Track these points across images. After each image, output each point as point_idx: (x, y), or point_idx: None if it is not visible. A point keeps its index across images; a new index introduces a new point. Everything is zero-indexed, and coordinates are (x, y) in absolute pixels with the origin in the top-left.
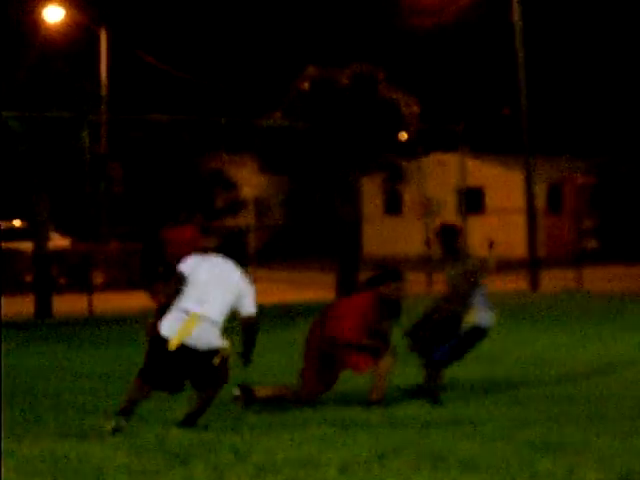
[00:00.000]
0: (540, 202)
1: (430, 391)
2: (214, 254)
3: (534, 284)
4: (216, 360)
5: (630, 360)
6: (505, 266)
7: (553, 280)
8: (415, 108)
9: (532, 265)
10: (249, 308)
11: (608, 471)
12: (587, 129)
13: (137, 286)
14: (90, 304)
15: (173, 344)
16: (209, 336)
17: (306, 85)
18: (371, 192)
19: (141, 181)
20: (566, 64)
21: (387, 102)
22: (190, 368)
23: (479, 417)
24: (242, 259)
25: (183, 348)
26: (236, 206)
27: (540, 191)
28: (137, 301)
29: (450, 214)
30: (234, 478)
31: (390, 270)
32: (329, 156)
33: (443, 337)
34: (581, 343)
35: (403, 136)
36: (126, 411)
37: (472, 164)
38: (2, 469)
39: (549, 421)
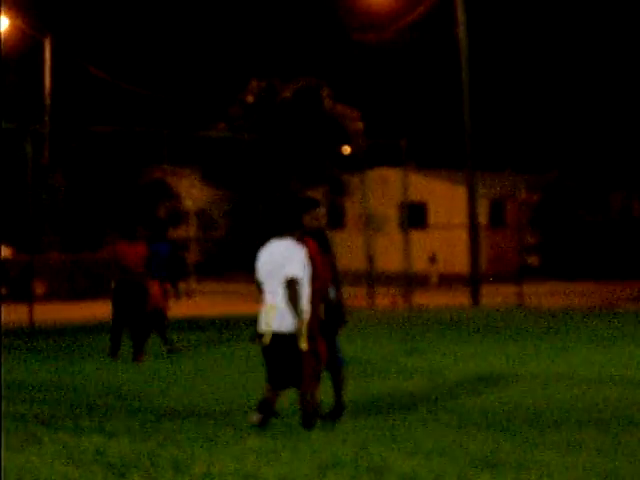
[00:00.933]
0: (483, 218)
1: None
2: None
3: (475, 299)
4: (302, 344)
5: (569, 375)
6: (447, 281)
7: (494, 295)
8: (359, 123)
9: (473, 280)
10: (289, 271)
11: None
12: (530, 146)
13: (78, 296)
14: (31, 314)
15: (265, 339)
16: (286, 321)
17: (250, 98)
18: None
19: (83, 191)
20: (510, 81)
21: (331, 116)
22: (284, 357)
23: (419, 433)
24: (288, 223)
25: (274, 338)
26: (178, 217)
27: (483, 207)
28: (78, 312)
29: (393, 229)
30: None
31: (301, 200)
32: (272, 168)
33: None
34: (521, 358)
35: (346, 150)
36: (261, 408)
37: (415, 179)
38: (2, 472)
39: (489, 437)
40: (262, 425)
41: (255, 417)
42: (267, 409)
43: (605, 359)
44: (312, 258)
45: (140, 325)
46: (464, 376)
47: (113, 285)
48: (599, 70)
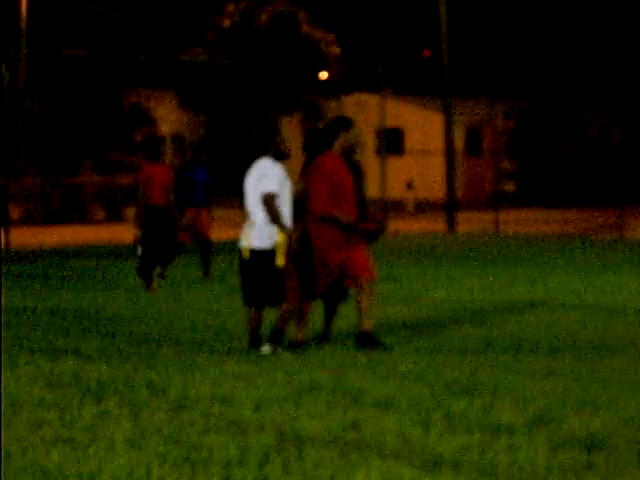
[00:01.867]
0: (459, 144)
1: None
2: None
3: (451, 226)
4: (279, 260)
5: (546, 301)
6: (423, 207)
7: (470, 222)
8: (336, 48)
9: (450, 207)
10: (264, 187)
11: (523, 412)
12: (508, 71)
13: (55, 221)
14: (7, 238)
15: (244, 254)
16: (264, 238)
17: (226, 22)
18: (290, 130)
19: (60, 116)
20: (487, 6)
21: (307, 41)
22: (261, 274)
23: (394, 359)
24: (266, 147)
25: (252, 254)
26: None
27: (459, 133)
28: (54, 236)
29: (370, 154)
30: (149, 414)
31: (336, 119)
32: (249, 94)
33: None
34: (497, 285)
35: (323, 75)
36: (274, 338)
37: (392, 105)
38: (2, 468)
39: (465, 362)
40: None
41: (268, 348)
42: (278, 336)
43: (582, 286)
44: (342, 178)
45: (167, 253)
46: (440, 302)
47: (138, 210)
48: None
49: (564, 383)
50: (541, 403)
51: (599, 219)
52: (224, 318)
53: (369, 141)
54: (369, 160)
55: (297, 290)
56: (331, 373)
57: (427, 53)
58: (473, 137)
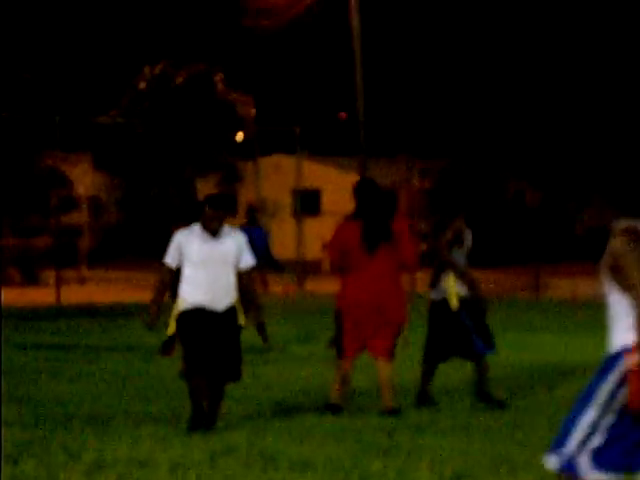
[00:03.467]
0: None
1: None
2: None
3: None
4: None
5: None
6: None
7: None
8: (252, 109)
9: None
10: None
11: (439, 472)
12: (425, 132)
13: None
14: None
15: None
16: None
17: (143, 84)
18: (207, 192)
19: None
20: (404, 66)
21: (223, 102)
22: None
23: (312, 420)
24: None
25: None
26: (70, 204)
27: None
28: None
29: (286, 216)
30: (65, 477)
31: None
32: (165, 155)
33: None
34: (418, 344)
35: (239, 137)
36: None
37: (309, 166)
38: (2, 468)
39: (383, 422)
40: None
41: None
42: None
43: (498, 344)
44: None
45: None
46: (357, 362)
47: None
48: (489, 56)
49: (480, 440)
50: (457, 463)
51: (515, 279)
52: (139, 381)
53: (285, 202)
54: (286, 221)
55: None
56: (247, 435)
57: (343, 116)
58: None
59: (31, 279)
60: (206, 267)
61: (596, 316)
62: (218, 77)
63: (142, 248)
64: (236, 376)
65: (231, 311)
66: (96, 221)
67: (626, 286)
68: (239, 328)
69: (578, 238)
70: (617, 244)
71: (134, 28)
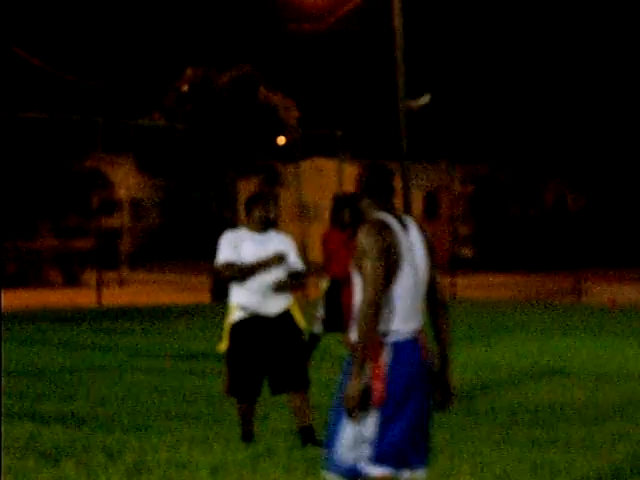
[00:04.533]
0: (417, 208)
1: None
2: None
3: None
4: None
5: (500, 366)
6: None
7: None
8: (294, 112)
9: None
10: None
11: (482, 476)
12: (465, 137)
13: (8, 284)
14: None
15: None
16: None
17: (185, 87)
18: (248, 195)
19: (17, 179)
20: (445, 72)
21: (266, 106)
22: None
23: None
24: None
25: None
26: (111, 206)
27: (417, 197)
28: (8, 299)
29: (327, 220)
30: (105, 478)
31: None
32: (207, 158)
33: None
34: (455, 350)
35: (281, 140)
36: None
37: (350, 170)
38: (2, 467)
39: None
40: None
41: None
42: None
43: (539, 350)
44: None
45: None
46: None
47: (325, 285)
48: (533, 61)
49: (520, 448)
50: (499, 468)
51: (556, 284)
52: (181, 381)
53: (327, 205)
54: (327, 224)
55: None
56: (288, 438)
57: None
58: (431, 201)
59: (72, 280)
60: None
61: (635, 322)
62: (261, 80)
63: (182, 250)
64: (303, 385)
65: (287, 315)
66: (137, 223)
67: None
68: (300, 332)
69: (621, 243)
70: (361, 237)
71: (177, 30)
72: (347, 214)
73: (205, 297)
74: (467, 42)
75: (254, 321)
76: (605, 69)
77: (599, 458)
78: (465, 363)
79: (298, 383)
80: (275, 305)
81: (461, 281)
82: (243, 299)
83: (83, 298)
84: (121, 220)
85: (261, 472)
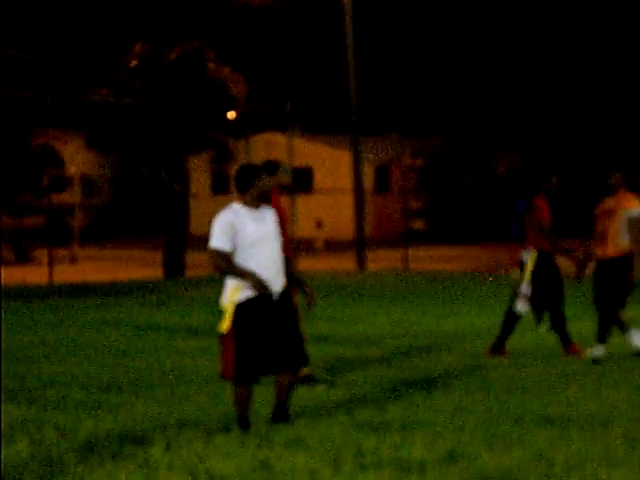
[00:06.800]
0: (368, 182)
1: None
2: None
3: (361, 263)
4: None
5: (454, 338)
6: (333, 246)
7: (380, 260)
8: (243, 87)
9: (359, 245)
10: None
11: (434, 448)
12: (416, 110)
13: None
14: None
15: None
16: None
17: (134, 62)
18: (199, 171)
19: None
20: (395, 44)
21: (215, 81)
22: None
23: (302, 397)
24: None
25: None
26: (62, 183)
27: (368, 171)
28: None
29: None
30: (58, 455)
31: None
32: (156, 133)
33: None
34: (407, 322)
35: (231, 115)
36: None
37: (301, 144)
38: (2, 468)
39: (375, 400)
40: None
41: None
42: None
43: (490, 323)
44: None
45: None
46: (349, 339)
47: (534, 256)
48: (482, 32)
49: (475, 419)
50: (452, 439)
51: (505, 256)
52: (133, 357)
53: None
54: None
55: None
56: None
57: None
58: (382, 175)
59: (24, 258)
60: (263, 245)
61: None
62: (209, 55)
63: (134, 227)
64: (305, 360)
65: (287, 293)
66: (88, 200)
67: None
68: (296, 309)
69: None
70: None
71: (124, 5)
72: None
73: (158, 272)
74: (417, 13)
75: (260, 300)
76: (556, 42)
77: (551, 430)
78: (419, 337)
79: (300, 361)
80: (278, 283)
81: (413, 254)
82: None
83: (35, 275)
84: (72, 197)
85: (215, 447)
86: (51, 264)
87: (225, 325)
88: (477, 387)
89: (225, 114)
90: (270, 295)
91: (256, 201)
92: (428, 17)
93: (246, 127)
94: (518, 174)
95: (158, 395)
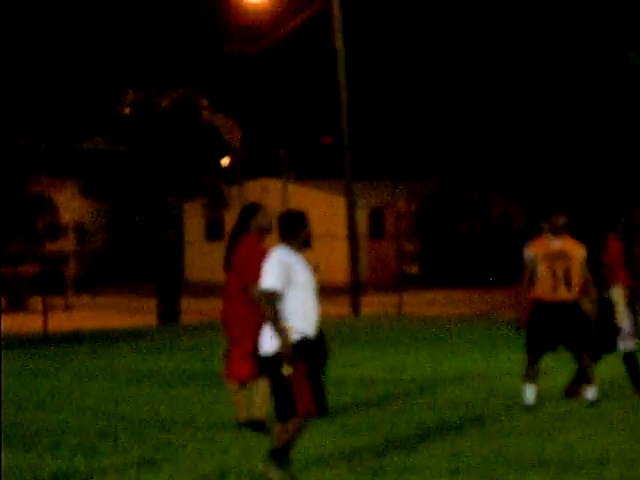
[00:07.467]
0: (362, 227)
1: None
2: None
3: (356, 309)
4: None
5: (448, 381)
6: (327, 291)
7: (375, 305)
8: (237, 133)
9: (354, 290)
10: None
11: None
12: (409, 154)
13: None
14: None
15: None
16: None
17: (127, 109)
18: (193, 217)
19: None
20: (388, 89)
21: (209, 127)
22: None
23: (301, 442)
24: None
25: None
26: (56, 230)
27: (362, 216)
28: None
29: (274, 239)
30: None
31: (247, 206)
32: (150, 180)
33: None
34: (401, 366)
35: (225, 161)
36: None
37: (295, 189)
38: (2, 471)
39: (372, 445)
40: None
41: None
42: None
43: (486, 365)
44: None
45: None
46: (344, 383)
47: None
48: (476, 77)
49: (470, 463)
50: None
51: (502, 299)
52: (128, 404)
53: (273, 226)
54: (274, 245)
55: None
56: (236, 458)
57: (327, 140)
58: (376, 220)
59: (18, 306)
60: (309, 290)
61: None
62: (203, 101)
63: (127, 274)
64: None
65: (321, 338)
66: (82, 248)
67: None
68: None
69: None
70: None
71: (117, 53)
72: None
73: (152, 319)
74: (409, 61)
75: (307, 342)
76: (546, 86)
77: (547, 473)
78: (414, 380)
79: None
80: (315, 328)
81: (408, 298)
82: (302, 325)
83: (29, 323)
84: (66, 245)
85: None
86: (45, 312)
87: (288, 368)
88: (472, 430)
89: (219, 160)
90: (309, 339)
91: (301, 247)
92: (421, 60)
93: (240, 173)
94: (511, 219)
95: (154, 442)
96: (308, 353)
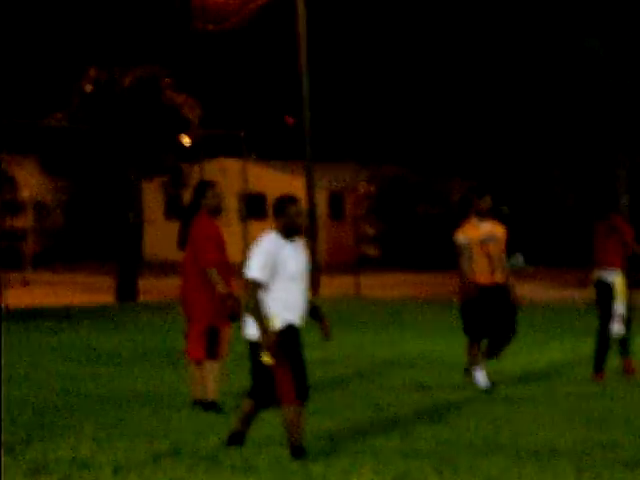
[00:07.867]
0: (322, 209)
1: None
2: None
3: (313, 289)
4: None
5: (404, 363)
6: None
7: (333, 286)
8: (198, 112)
9: (312, 271)
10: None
11: (383, 474)
12: (371, 137)
13: None
14: None
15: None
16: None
17: (88, 87)
18: (152, 196)
19: None
20: (351, 72)
21: (170, 105)
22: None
23: (255, 423)
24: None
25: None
26: (15, 207)
27: (322, 198)
28: None
29: (233, 219)
30: (6, 477)
31: (198, 185)
32: (110, 158)
33: None
34: (357, 347)
35: (186, 140)
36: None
37: (255, 170)
38: (2, 470)
39: (324, 426)
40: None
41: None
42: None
43: (442, 347)
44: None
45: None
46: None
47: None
48: (437, 59)
49: (424, 445)
50: (401, 465)
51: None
52: (84, 382)
53: (232, 206)
54: (232, 225)
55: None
56: (192, 437)
57: (290, 120)
58: (336, 202)
59: None
60: (296, 280)
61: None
62: (164, 80)
63: (86, 252)
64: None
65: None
66: (41, 224)
67: None
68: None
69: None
70: None
71: (80, 29)
72: None
73: (110, 297)
74: (373, 39)
75: (292, 329)
76: (510, 70)
77: (502, 458)
78: (370, 362)
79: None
80: (301, 316)
81: (366, 280)
82: (284, 315)
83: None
84: (25, 221)
85: (164, 471)
86: (3, 288)
87: (268, 357)
88: (426, 413)
89: (179, 139)
90: (294, 327)
91: (293, 234)
92: (384, 44)
93: (200, 152)
94: (470, 201)
95: (109, 418)
96: (292, 340)
